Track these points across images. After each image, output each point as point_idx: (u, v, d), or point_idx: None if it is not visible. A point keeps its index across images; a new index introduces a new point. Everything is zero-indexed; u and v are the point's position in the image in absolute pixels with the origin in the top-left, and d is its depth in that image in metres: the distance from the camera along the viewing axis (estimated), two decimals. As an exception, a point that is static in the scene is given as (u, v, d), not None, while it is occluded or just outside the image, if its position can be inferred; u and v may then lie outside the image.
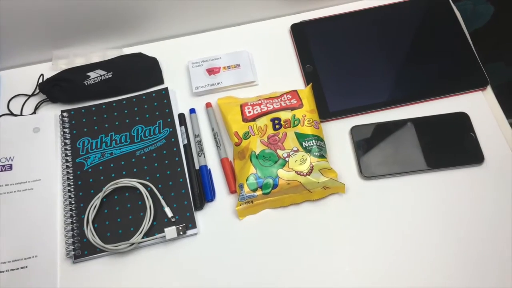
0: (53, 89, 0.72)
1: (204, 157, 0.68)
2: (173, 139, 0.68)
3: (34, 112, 0.72)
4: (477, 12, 0.96)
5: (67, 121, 0.70)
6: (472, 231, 0.62)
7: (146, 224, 0.62)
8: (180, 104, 0.73)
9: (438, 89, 0.71)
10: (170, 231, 0.61)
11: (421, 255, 0.61)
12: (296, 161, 0.63)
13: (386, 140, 0.67)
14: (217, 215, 0.65)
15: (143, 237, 0.61)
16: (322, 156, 0.64)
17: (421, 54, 0.74)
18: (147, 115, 0.70)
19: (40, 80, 0.74)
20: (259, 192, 0.62)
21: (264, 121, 0.66)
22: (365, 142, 0.67)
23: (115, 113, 0.71)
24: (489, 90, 0.72)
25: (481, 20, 0.97)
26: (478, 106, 0.70)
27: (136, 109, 0.71)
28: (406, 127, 0.68)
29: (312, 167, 0.62)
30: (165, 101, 0.71)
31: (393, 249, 0.62)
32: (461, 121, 0.68)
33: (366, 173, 0.65)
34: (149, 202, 0.63)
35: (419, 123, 0.68)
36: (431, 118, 0.69)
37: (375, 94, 0.71)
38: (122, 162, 0.67)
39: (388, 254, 0.61)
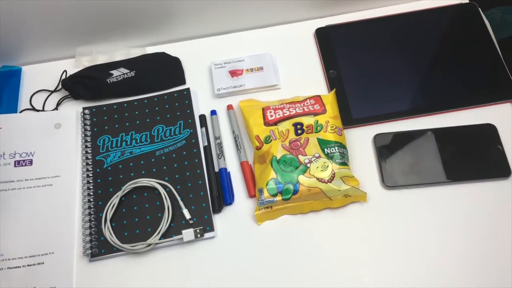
0: (76, 85, 0.72)
1: (224, 159, 0.67)
2: (193, 140, 0.68)
3: (56, 108, 0.72)
4: (505, 22, 0.94)
5: (88, 118, 0.70)
6: (496, 246, 0.60)
7: (164, 225, 0.61)
8: (201, 105, 0.72)
9: (465, 99, 0.70)
10: (188, 233, 0.61)
11: (442, 269, 0.59)
12: (317, 167, 0.62)
13: (409, 150, 0.66)
14: (235, 219, 0.64)
15: (160, 238, 0.61)
16: (344, 163, 0.63)
17: (448, 62, 0.73)
18: (168, 115, 0.70)
19: (63, 76, 0.74)
20: (278, 198, 0.61)
21: (286, 125, 0.66)
22: (388, 151, 0.66)
23: (136, 112, 0.71)
24: (517, 102, 0.70)
25: (510, 29, 0.95)
26: (506, 118, 0.68)
27: (157, 108, 0.71)
28: (430, 137, 0.67)
29: (334, 174, 0.61)
30: (186, 101, 0.71)
31: (413, 261, 0.60)
32: (488, 133, 0.66)
33: (388, 183, 0.64)
34: (167, 203, 0.63)
35: (444, 133, 0.67)
36: (457, 128, 0.67)
37: (400, 102, 0.70)
38: (142, 162, 0.67)
39: (408, 266, 0.60)
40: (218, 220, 0.64)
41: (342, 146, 0.64)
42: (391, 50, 0.75)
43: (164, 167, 0.66)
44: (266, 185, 0.62)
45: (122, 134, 0.69)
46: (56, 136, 0.69)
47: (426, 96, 0.70)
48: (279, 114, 0.67)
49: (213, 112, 0.71)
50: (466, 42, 0.74)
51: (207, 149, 0.68)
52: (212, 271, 0.61)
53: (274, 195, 0.61)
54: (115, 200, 0.63)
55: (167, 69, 0.74)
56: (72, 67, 0.75)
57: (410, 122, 0.69)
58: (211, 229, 0.62)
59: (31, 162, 0.67)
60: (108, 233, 0.61)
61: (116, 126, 0.70)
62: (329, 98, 0.68)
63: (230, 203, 0.65)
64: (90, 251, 0.61)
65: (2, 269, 0.60)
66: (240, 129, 0.70)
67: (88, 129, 0.69)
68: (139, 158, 0.67)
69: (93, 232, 0.62)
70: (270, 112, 0.67)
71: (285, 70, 0.74)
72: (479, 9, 0.77)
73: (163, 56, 0.75)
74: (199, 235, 0.61)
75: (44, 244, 0.62)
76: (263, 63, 0.74)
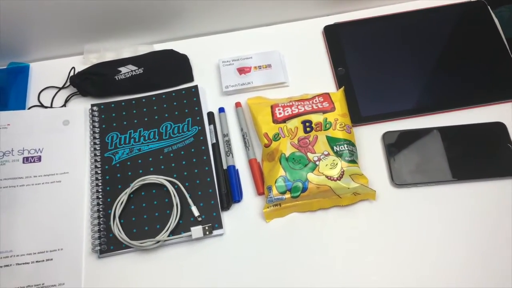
0: (84, 82, 0.72)
1: (232, 157, 0.67)
2: (201, 138, 0.68)
3: (64, 105, 0.72)
4: (513, 20, 0.94)
5: (96, 115, 0.70)
6: (506, 244, 0.60)
7: (172, 222, 0.61)
8: (209, 102, 0.72)
9: (474, 97, 0.69)
10: (196, 231, 0.61)
11: (451, 268, 0.59)
12: (326, 165, 0.62)
13: (419, 148, 0.66)
14: (243, 217, 0.64)
15: (169, 235, 0.61)
16: (353, 161, 0.63)
17: (457, 60, 0.72)
18: (176, 112, 0.70)
19: (71, 73, 0.74)
20: (287, 195, 0.61)
21: (295, 123, 0.65)
22: (397, 149, 0.66)
23: (144, 109, 0.71)
24: (528, 100, 0.70)
25: (518, 28, 0.95)
26: (516, 116, 0.68)
27: (165, 105, 0.71)
28: (440, 135, 0.66)
29: (343, 172, 0.61)
30: (194, 99, 0.71)
31: (422, 260, 0.60)
32: (498, 131, 0.66)
33: (397, 181, 0.64)
34: (176, 200, 0.63)
35: (454, 131, 0.66)
36: (466, 127, 0.67)
37: (409, 100, 0.70)
38: (150, 159, 0.67)
39: (416, 265, 0.60)
40: (226, 217, 0.64)
41: (351, 144, 0.64)
42: (400, 47, 0.74)
43: (173, 164, 0.66)
44: (275, 182, 0.61)
45: (131, 131, 0.69)
46: (65, 133, 0.69)
47: (435, 94, 0.70)
48: (287, 112, 0.67)
49: (221, 110, 0.71)
50: (475, 40, 0.74)
51: (216, 146, 0.68)
52: (220, 268, 0.61)
53: (283, 193, 0.61)
54: (123, 197, 0.63)
55: (175, 66, 0.74)
56: (80, 64, 0.75)
57: (420, 120, 0.68)
58: (220, 226, 0.62)
59: (39, 159, 0.67)
60: (117, 229, 0.61)
61: (124, 123, 0.69)
62: (338, 96, 0.68)
63: (239, 201, 0.65)
64: (99, 248, 0.61)
65: (10, 265, 0.60)
66: (249, 127, 0.69)
67: (97, 126, 0.69)
68: (148, 155, 0.67)
69: (101, 229, 0.62)
70: (279, 109, 0.67)
71: (293, 67, 0.74)
72: (488, 7, 0.76)
73: (171, 53, 0.75)
74: (207, 232, 0.61)
75: (53, 241, 0.62)
76: (271, 60, 0.74)
